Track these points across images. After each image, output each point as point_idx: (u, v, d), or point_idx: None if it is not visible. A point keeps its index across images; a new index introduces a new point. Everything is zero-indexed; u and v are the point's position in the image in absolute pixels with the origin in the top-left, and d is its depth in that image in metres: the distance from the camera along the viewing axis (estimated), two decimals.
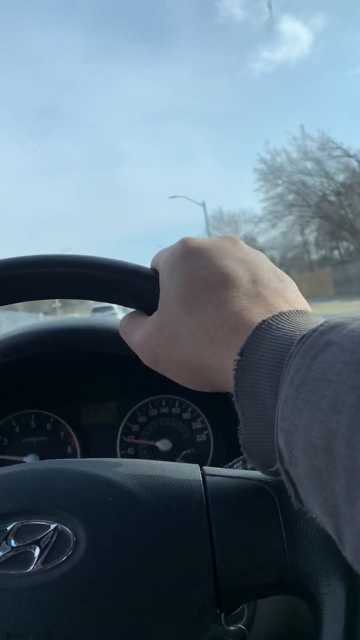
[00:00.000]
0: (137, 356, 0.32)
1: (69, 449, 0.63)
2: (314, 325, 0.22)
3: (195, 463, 0.31)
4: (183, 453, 0.63)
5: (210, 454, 0.63)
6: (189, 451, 0.63)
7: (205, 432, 0.64)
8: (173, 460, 0.63)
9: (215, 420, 0.64)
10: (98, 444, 0.64)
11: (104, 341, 0.58)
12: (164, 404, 0.65)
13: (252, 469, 0.38)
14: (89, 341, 0.59)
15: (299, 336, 0.22)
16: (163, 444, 0.63)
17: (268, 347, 0.23)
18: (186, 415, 0.65)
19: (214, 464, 0.63)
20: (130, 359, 0.46)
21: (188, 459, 0.63)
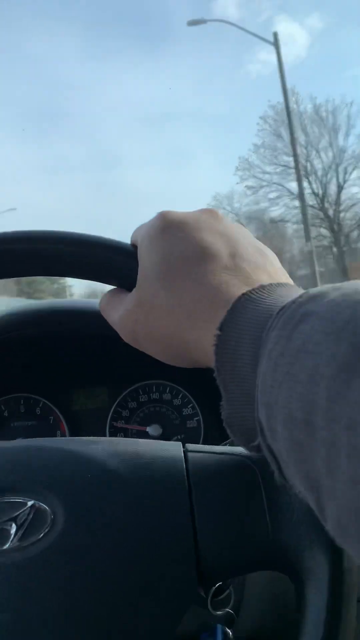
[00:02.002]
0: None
1: (58, 434, 0.63)
2: (294, 297, 0.21)
3: None
4: (173, 439, 0.63)
5: (201, 440, 0.63)
6: (179, 437, 0.63)
7: (195, 419, 0.64)
8: None
9: (205, 407, 0.64)
10: (88, 429, 0.63)
11: (94, 323, 0.57)
12: (154, 389, 0.64)
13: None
14: (78, 323, 0.58)
15: (278, 308, 0.21)
16: (153, 430, 0.62)
17: (248, 321, 0.22)
18: (177, 402, 0.64)
19: None
20: (121, 343, 0.46)
21: None
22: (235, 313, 0.23)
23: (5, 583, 0.24)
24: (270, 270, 0.27)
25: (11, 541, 0.24)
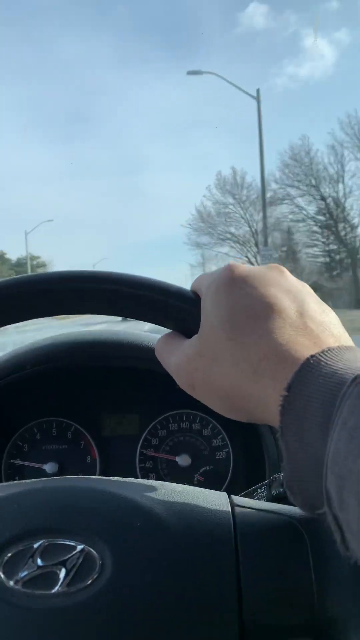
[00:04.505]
0: (162, 371, 0.32)
1: (89, 459, 0.63)
2: None
3: (214, 480, 0.31)
4: (202, 469, 0.63)
5: (230, 472, 0.63)
6: (208, 468, 0.63)
7: (225, 450, 0.64)
8: (192, 475, 0.62)
9: (235, 439, 0.64)
10: (117, 456, 0.64)
11: (132, 356, 0.58)
12: (184, 418, 0.65)
13: (276, 494, 0.38)
14: (117, 356, 0.59)
15: (351, 375, 0.21)
16: (182, 459, 0.62)
17: (317, 385, 0.22)
18: (206, 432, 0.64)
19: (232, 482, 0.62)
20: (153, 373, 0.46)
21: (207, 476, 0.62)
22: (304, 375, 0.23)
23: (51, 627, 0.24)
24: (334, 332, 0.27)
25: (60, 585, 0.25)
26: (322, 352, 0.23)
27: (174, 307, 0.32)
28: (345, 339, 0.27)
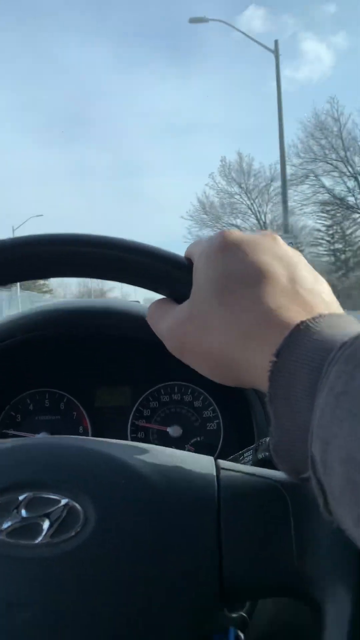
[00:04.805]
0: (155, 342, 0.32)
1: (81, 429, 0.64)
2: (354, 331, 0.21)
3: (205, 450, 0.31)
4: (193, 440, 0.64)
5: (220, 443, 0.64)
6: (199, 439, 0.64)
7: (215, 421, 0.64)
8: (183, 446, 0.63)
9: (226, 410, 0.64)
10: (109, 426, 0.65)
11: (123, 324, 0.58)
12: (176, 390, 0.65)
13: (262, 458, 0.39)
14: (108, 324, 0.59)
15: (339, 341, 0.21)
16: (173, 430, 0.63)
17: (306, 350, 0.22)
18: (197, 403, 0.65)
19: (223, 452, 0.63)
20: (146, 344, 0.47)
21: (198, 446, 0.63)
22: (294, 340, 0.23)
23: (34, 577, 0.24)
24: (326, 299, 0.27)
25: (43, 536, 0.25)
26: (312, 318, 0.23)
27: (166, 273, 0.32)
28: (336, 307, 0.27)
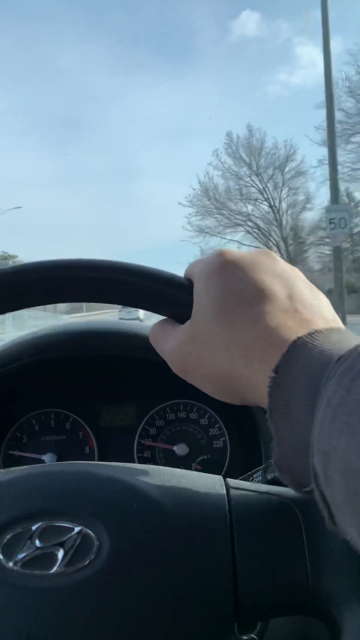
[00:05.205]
0: (159, 361, 0.32)
1: (87, 449, 0.64)
2: (351, 345, 0.22)
3: (212, 468, 0.31)
4: (199, 458, 0.63)
5: (227, 461, 0.63)
6: (205, 457, 0.64)
7: (222, 439, 0.64)
8: (189, 465, 0.63)
9: (232, 427, 0.64)
10: (115, 446, 0.64)
11: (128, 345, 0.58)
12: (181, 408, 0.65)
13: (272, 479, 0.39)
14: (113, 344, 0.59)
15: (336, 355, 0.22)
16: (180, 449, 0.63)
17: (303, 365, 0.23)
18: (203, 421, 0.65)
19: (230, 470, 0.63)
20: (150, 363, 0.47)
21: (204, 465, 0.63)
22: (292, 356, 0.23)
23: (51, 607, 0.24)
24: (325, 315, 0.27)
25: (58, 565, 0.25)
26: (310, 334, 0.24)
27: (166, 294, 0.32)
28: (335, 322, 0.27)
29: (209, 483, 0.29)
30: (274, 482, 0.38)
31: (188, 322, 0.30)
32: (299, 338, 0.24)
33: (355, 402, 0.19)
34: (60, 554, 0.26)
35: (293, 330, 0.25)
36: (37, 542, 0.26)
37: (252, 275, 0.28)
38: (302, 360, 0.23)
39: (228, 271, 0.28)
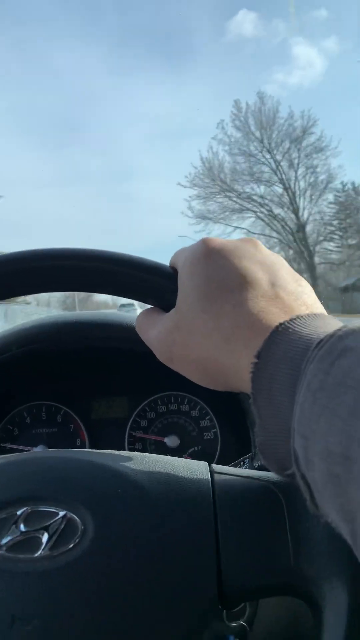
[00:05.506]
0: (150, 352, 0.33)
1: (78, 442, 0.64)
2: (331, 330, 0.22)
3: (203, 460, 0.31)
4: (190, 450, 0.64)
5: (217, 452, 0.64)
6: (196, 448, 0.64)
7: (212, 430, 0.65)
8: (180, 456, 0.63)
9: (223, 419, 0.65)
10: (107, 438, 0.65)
11: (118, 337, 0.58)
12: (172, 400, 0.65)
13: (258, 466, 0.39)
14: (103, 336, 0.59)
15: (316, 340, 0.22)
16: (171, 440, 0.63)
17: (285, 350, 0.23)
18: (194, 413, 0.65)
19: (220, 461, 0.63)
20: (141, 355, 0.47)
21: (195, 456, 0.63)
22: (273, 342, 0.23)
23: (35, 590, 0.25)
24: (307, 301, 0.27)
25: (42, 549, 0.25)
26: (291, 319, 0.24)
27: (151, 283, 0.32)
28: (317, 307, 0.27)
29: (194, 468, 0.29)
30: (260, 469, 0.38)
31: (173, 310, 0.30)
32: (280, 324, 0.24)
33: (335, 385, 0.20)
34: (45, 538, 0.26)
35: (275, 316, 0.25)
36: (22, 527, 0.26)
37: (236, 263, 0.28)
38: (283, 346, 0.23)
39: (212, 259, 0.29)
